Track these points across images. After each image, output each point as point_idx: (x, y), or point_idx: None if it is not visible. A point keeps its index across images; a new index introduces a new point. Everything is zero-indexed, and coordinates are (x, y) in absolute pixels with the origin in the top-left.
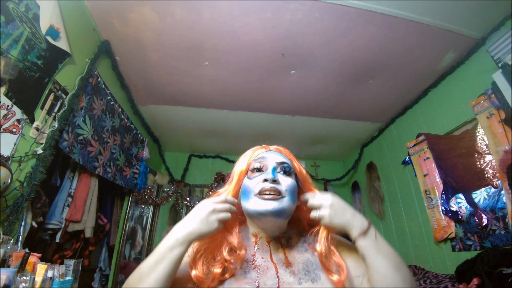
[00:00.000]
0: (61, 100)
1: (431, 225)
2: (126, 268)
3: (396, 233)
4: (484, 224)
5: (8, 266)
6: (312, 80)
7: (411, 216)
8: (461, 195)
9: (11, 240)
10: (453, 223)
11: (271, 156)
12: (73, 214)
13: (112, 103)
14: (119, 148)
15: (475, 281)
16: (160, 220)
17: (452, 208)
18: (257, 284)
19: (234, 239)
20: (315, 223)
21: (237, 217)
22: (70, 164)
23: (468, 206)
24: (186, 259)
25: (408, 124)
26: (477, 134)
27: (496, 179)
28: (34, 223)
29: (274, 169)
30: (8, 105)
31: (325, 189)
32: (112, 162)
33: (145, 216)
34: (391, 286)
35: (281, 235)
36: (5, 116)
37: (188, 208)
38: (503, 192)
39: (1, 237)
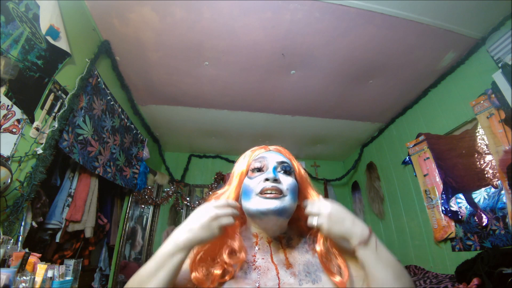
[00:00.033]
0: (61, 100)
1: (431, 225)
2: (126, 268)
3: (396, 233)
4: (484, 224)
5: (8, 266)
6: (312, 80)
7: (411, 216)
8: (461, 195)
9: (11, 240)
10: (453, 223)
11: (271, 155)
12: (73, 214)
13: (112, 103)
14: (119, 148)
15: (475, 281)
16: (160, 220)
17: (452, 208)
18: (257, 285)
19: (235, 241)
20: None
21: (239, 219)
22: (70, 164)
23: (468, 206)
24: (186, 260)
25: (408, 124)
26: (477, 134)
27: (496, 179)
28: (34, 223)
29: (275, 168)
30: (8, 105)
31: (325, 189)
32: (112, 162)
33: (145, 216)
34: None
35: (282, 235)
36: (5, 116)
37: (188, 208)
38: (503, 192)
39: (1, 237)
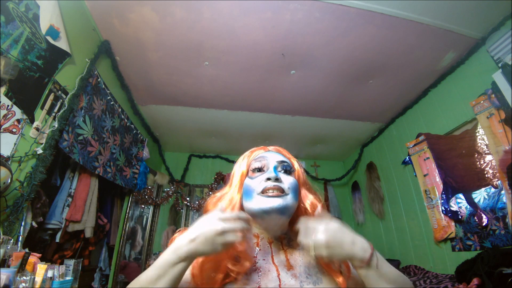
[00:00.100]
0: (61, 100)
1: (431, 225)
2: (126, 268)
3: (396, 233)
4: (484, 224)
5: (8, 266)
6: (312, 80)
7: (411, 216)
8: (461, 195)
9: (11, 240)
10: (453, 223)
11: (271, 155)
12: (73, 214)
13: (112, 103)
14: (119, 148)
15: (475, 281)
16: (160, 220)
17: (452, 208)
18: (258, 286)
19: (241, 247)
20: None
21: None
22: (70, 164)
23: (468, 206)
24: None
25: (408, 124)
26: (477, 134)
27: (496, 179)
28: (34, 223)
29: (275, 168)
30: (8, 105)
31: (325, 189)
32: (112, 162)
33: (145, 216)
34: None
35: (283, 235)
36: (5, 116)
37: (188, 208)
38: (503, 192)
39: (1, 237)
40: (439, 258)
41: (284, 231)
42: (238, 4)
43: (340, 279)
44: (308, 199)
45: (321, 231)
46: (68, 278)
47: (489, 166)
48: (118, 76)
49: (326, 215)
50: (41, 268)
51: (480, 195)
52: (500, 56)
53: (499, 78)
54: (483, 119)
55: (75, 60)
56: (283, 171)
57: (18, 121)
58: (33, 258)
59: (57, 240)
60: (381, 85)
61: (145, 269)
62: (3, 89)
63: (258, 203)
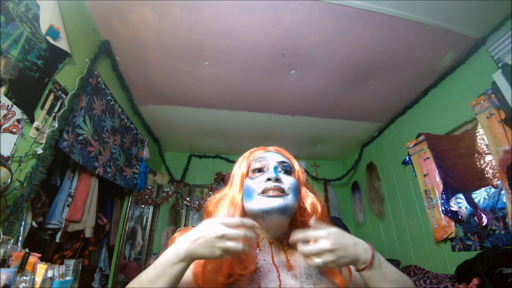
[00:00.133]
0: (61, 100)
1: (431, 225)
2: (126, 268)
3: (396, 233)
4: (484, 224)
5: (8, 266)
6: (312, 80)
7: (411, 216)
8: (461, 195)
9: (11, 240)
10: (453, 223)
11: (271, 156)
12: (73, 214)
13: (112, 103)
14: (119, 148)
15: (475, 281)
16: (160, 220)
17: (452, 208)
18: (258, 286)
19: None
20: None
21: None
22: (70, 164)
23: (468, 206)
24: (191, 266)
25: (408, 124)
26: (477, 134)
27: (496, 179)
28: (34, 223)
29: (275, 168)
30: (8, 105)
31: (325, 189)
32: (112, 162)
33: (145, 216)
34: None
35: (283, 236)
36: (5, 116)
37: (188, 208)
38: (503, 192)
39: (1, 237)
40: (439, 258)
41: (285, 231)
42: (238, 4)
43: (338, 280)
44: (308, 199)
45: (323, 237)
46: (68, 278)
47: (489, 166)
48: (118, 76)
49: (320, 223)
50: (41, 268)
51: (480, 195)
52: (500, 56)
53: (499, 78)
54: (483, 119)
55: (75, 60)
56: (283, 171)
57: (18, 121)
58: (33, 258)
59: (57, 240)
60: (381, 85)
61: (145, 269)
62: (3, 89)
63: (259, 203)
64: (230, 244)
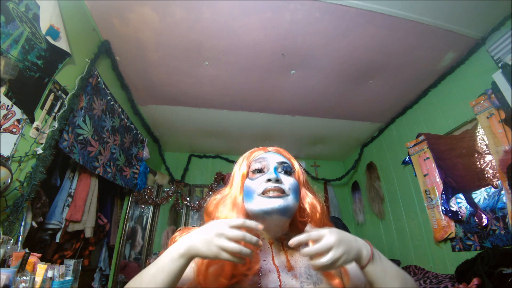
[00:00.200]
0: (61, 100)
1: (431, 225)
2: (126, 268)
3: (396, 233)
4: (484, 224)
5: (8, 266)
6: (312, 80)
7: (411, 216)
8: (461, 195)
9: (11, 240)
10: (453, 223)
11: (271, 156)
12: (73, 214)
13: (112, 103)
14: (119, 148)
15: (475, 281)
16: (160, 220)
17: (452, 208)
18: (258, 286)
19: (253, 253)
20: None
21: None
22: (70, 164)
23: (468, 206)
24: (192, 264)
25: (408, 124)
26: (477, 134)
27: (496, 179)
28: (34, 223)
29: (276, 169)
30: (8, 105)
31: (325, 189)
32: (112, 162)
33: (145, 216)
34: None
35: (283, 236)
36: (5, 116)
37: (188, 208)
38: (503, 192)
39: (1, 237)
40: (439, 258)
41: (285, 231)
42: (238, 4)
43: (335, 281)
44: (308, 199)
45: (326, 234)
46: (68, 278)
47: (489, 166)
48: (118, 76)
49: (315, 229)
50: (41, 268)
51: (480, 195)
52: (500, 56)
53: (499, 78)
54: (483, 119)
55: (75, 60)
56: (283, 172)
57: (18, 121)
58: (33, 258)
59: (57, 240)
60: (381, 85)
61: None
62: (3, 89)
63: (259, 204)
64: (228, 244)
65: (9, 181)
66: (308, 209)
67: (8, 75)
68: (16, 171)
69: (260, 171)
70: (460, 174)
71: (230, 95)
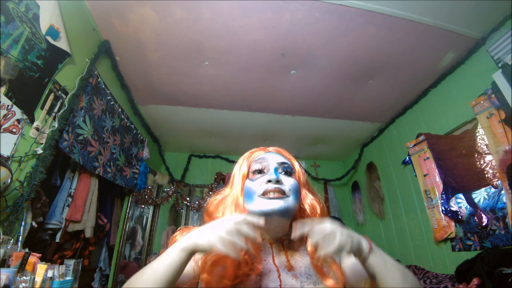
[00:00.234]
0: (61, 100)
1: (431, 225)
2: (126, 268)
3: (396, 233)
4: (484, 224)
5: (8, 266)
6: (312, 80)
7: (411, 216)
8: (461, 195)
9: (11, 240)
10: (453, 223)
11: (271, 157)
12: (73, 214)
13: (112, 103)
14: (119, 148)
15: (475, 281)
16: (160, 220)
17: (452, 208)
18: (259, 286)
19: (252, 249)
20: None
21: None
22: (70, 164)
23: (468, 206)
24: (190, 262)
25: (408, 124)
26: (477, 134)
27: (496, 179)
28: (34, 223)
29: (276, 169)
30: (8, 105)
31: (325, 189)
32: (112, 162)
33: (145, 216)
34: None
35: (284, 237)
36: (5, 116)
37: (188, 208)
38: (503, 192)
39: (1, 237)
40: (439, 258)
41: (285, 232)
42: (238, 4)
43: (329, 282)
44: (308, 200)
45: (329, 221)
46: (68, 278)
47: (489, 166)
48: (118, 76)
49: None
50: (41, 268)
51: (480, 195)
52: (500, 56)
53: (499, 78)
54: (483, 119)
55: (75, 60)
56: (283, 172)
57: (18, 121)
58: (33, 258)
59: (57, 240)
60: (381, 85)
61: None
62: (3, 89)
63: (259, 205)
64: (224, 234)
65: (9, 181)
66: (308, 210)
67: (8, 75)
68: (16, 171)
69: (260, 171)
70: (460, 174)
71: (230, 95)
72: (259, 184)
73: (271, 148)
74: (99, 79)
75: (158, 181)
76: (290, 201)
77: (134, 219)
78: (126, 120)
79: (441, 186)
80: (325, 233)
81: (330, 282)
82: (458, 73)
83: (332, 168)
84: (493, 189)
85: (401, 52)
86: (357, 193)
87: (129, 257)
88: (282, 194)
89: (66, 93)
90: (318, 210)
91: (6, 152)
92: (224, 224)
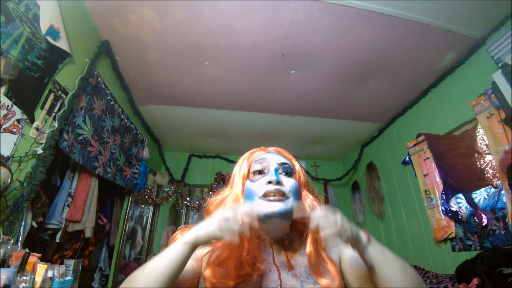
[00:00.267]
0: (61, 100)
1: (431, 225)
2: (126, 268)
3: (396, 233)
4: (484, 224)
5: (8, 266)
6: (312, 80)
7: (411, 216)
8: (461, 195)
9: (11, 240)
10: (453, 223)
11: (271, 157)
12: (73, 214)
13: (112, 103)
14: (119, 148)
15: (475, 281)
16: (160, 220)
17: (452, 208)
18: (259, 286)
19: (252, 249)
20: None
21: (255, 230)
22: (70, 164)
23: (468, 206)
24: (190, 261)
25: (408, 124)
26: (477, 134)
27: (496, 179)
28: (34, 223)
29: (276, 170)
30: (8, 105)
31: (325, 189)
32: (112, 162)
33: (145, 216)
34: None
35: (284, 237)
36: (5, 116)
37: (188, 208)
38: (503, 192)
39: (1, 237)
40: (439, 258)
41: (285, 232)
42: (238, 4)
43: (323, 282)
44: (308, 200)
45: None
46: (68, 278)
47: (489, 166)
48: (118, 76)
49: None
50: (41, 268)
51: (480, 195)
52: (500, 56)
53: (499, 78)
54: (483, 119)
55: (75, 60)
56: (284, 173)
57: (18, 121)
58: (33, 258)
59: (57, 240)
60: (381, 85)
61: None
62: (3, 89)
63: (260, 207)
64: (222, 222)
65: (9, 181)
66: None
67: (8, 75)
68: (16, 171)
69: (260, 172)
70: (460, 174)
71: (230, 95)
72: (260, 185)
73: (271, 148)
74: (99, 79)
75: (158, 181)
76: (290, 203)
77: (134, 219)
78: (126, 120)
79: (441, 186)
80: (326, 217)
81: (324, 281)
82: (458, 73)
83: (332, 168)
84: (493, 189)
85: (401, 52)
86: (357, 193)
87: (129, 257)
88: (282, 196)
89: (66, 93)
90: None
91: (6, 152)
92: (220, 214)
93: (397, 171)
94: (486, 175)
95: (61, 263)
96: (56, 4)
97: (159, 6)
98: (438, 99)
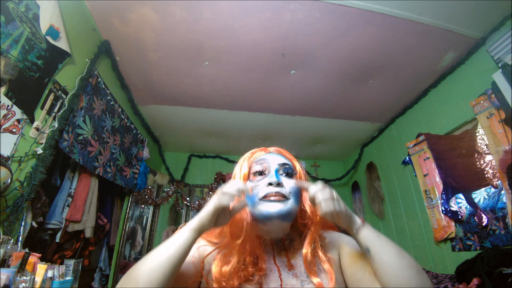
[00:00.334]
0: (61, 100)
1: (431, 225)
2: (126, 268)
3: (396, 233)
4: (484, 224)
5: (8, 266)
6: (312, 80)
7: (411, 216)
8: (461, 195)
9: (11, 240)
10: (453, 223)
11: (272, 157)
12: (73, 214)
13: (112, 103)
14: (119, 148)
15: (475, 281)
16: (160, 220)
17: (452, 208)
18: (260, 286)
19: (255, 249)
20: (308, 225)
21: (253, 226)
22: (70, 164)
23: (468, 206)
24: (190, 259)
25: (408, 124)
26: (477, 134)
27: (496, 179)
28: (34, 223)
29: (277, 171)
30: (8, 105)
31: None
32: (112, 162)
33: (145, 216)
34: (399, 273)
35: (284, 237)
36: (5, 116)
37: (188, 208)
38: (503, 192)
39: (1, 237)
40: (439, 258)
41: (286, 233)
42: (238, 4)
43: (316, 280)
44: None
45: (326, 190)
46: (68, 278)
47: (489, 166)
48: (118, 76)
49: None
50: (41, 268)
51: (480, 195)
52: (500, 56)
53: (499, 78)
54: (483, 119)
55: (75, 60)
56: (284, 174)
57: (18, 121)
58: (33, 258)
59: (57, 240)
60: (381, 85)
61: None
62: (3, 89)
63: (260, 208)
64: (220, 195)
65: (9, 181)
66: (308, 211)
67: (8, 75)
68: (16, 171)
69: (261, 173)
70: (460, 174)
71: (230, 95)
72: (260, 187)
73: (272, 149)
74: (99, 79)
75: (158, 181)
76: (290, 204)
77: (134, 219)
78: (126, 120)
79: (441, 186)
80: (323, 189)
81: (316, 280)
82: (458, 73)
83: (332, 168)
84: (493, 189)
85: (401, 52)
86: (357, 193)
87: (129, 257)
88: (283, 197)
89: (66, 93)
90: (319, 211)
91: (6, 152)
92: (216, 192)
93: (397, 171)
94: (486, 175)
95: (61, 263)
96: (56, 4)
97: (159, 6)
98: (438, 99)
